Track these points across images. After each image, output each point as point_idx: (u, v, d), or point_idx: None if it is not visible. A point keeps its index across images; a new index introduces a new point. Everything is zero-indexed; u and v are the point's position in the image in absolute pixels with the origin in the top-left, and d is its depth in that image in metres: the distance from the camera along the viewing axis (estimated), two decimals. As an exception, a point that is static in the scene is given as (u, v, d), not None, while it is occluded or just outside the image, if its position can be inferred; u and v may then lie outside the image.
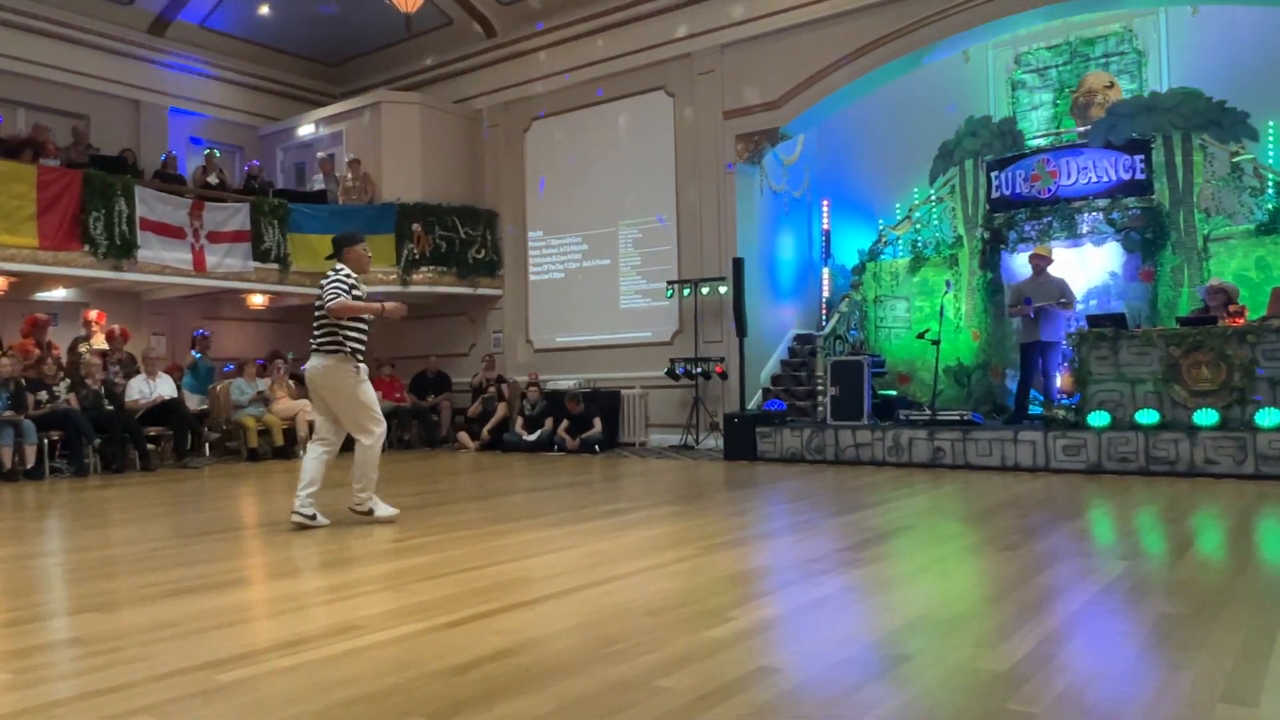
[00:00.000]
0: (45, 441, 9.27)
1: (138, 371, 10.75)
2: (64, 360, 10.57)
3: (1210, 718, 2.27)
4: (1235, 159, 9.38)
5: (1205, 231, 9.47)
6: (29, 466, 9.07)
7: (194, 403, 11.37)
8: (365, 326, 5.69)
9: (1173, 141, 9.55)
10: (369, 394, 5.60)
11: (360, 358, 5.59)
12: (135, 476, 9.42)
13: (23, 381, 9.43)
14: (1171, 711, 2.31)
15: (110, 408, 9.95)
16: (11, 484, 8.71)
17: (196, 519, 6.49)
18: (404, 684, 2.62)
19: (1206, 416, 7.73)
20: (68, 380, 9.88)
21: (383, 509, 5.71)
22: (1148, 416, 8.00)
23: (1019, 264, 10.19)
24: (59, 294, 11.96)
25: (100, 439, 9.70)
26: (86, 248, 10.56)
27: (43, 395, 9.54)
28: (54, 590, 4.19)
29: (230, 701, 2.51)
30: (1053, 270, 9.33)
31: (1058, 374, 9.46)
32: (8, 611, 3.65)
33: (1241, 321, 7.97)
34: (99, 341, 11.16)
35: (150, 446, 10.23)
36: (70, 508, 7.24)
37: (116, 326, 11.46)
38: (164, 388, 10.55)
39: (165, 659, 2.91)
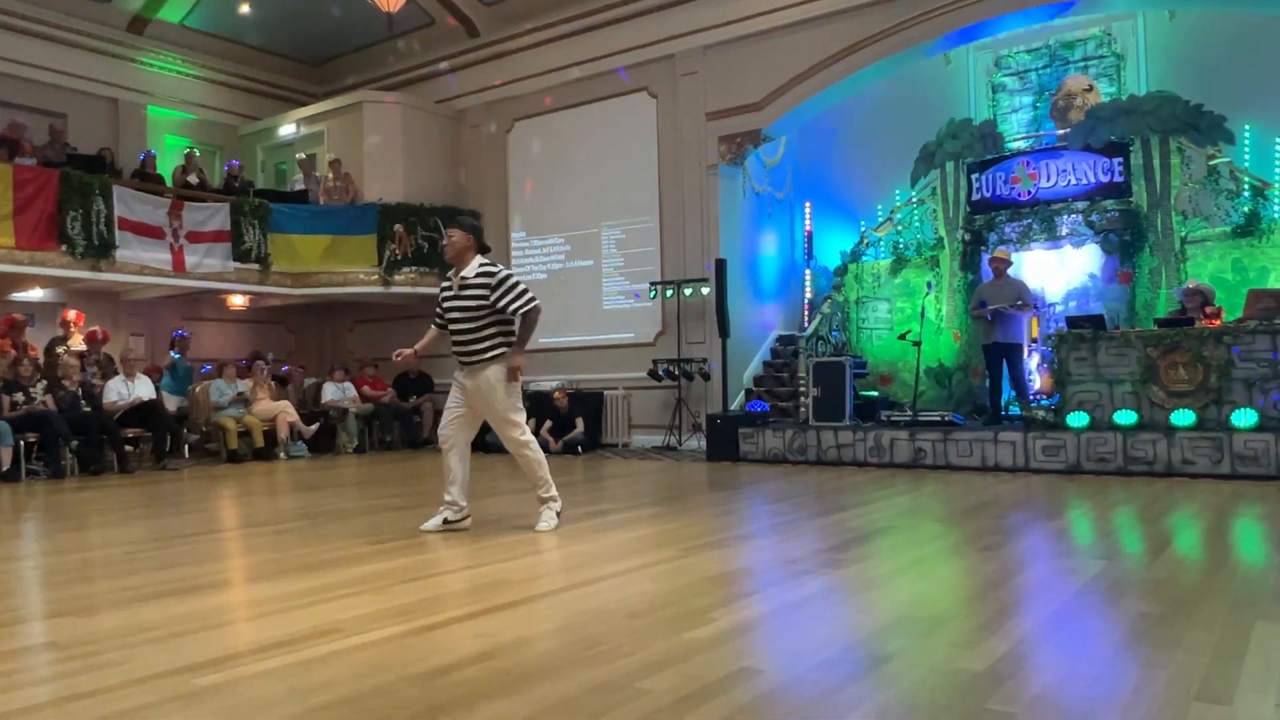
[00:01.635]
0: (22, 443, 9.18)
1: (116, 372, 10.65)
2: (41, 361, 10.47)
3: (1185, 716, 2.29)
4: (1212, 162, 9.47)
5: (1182, 234, 9.57)
6: (5, 469, 8.96)
7: (173, 404, 11.28)
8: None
9: (1151, 144, 9.64)
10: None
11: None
12: (113, 478, 9.33)
13: (-1, 383, 9.34)
14: (1147, 710, 2.33)
15: (88, 409, 9.86)
16: (-13, 486, 8.63)
17: (175, 521, 6.44)
18: (383, 687, 2.61)
19: (1183, 417, 7.82)
20: (45, 381, 9.78)
21: (543, 523, 5.45)
22: (1126, 417, 8.08)
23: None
24: (36, 294, 11.84)
25: (78, 441, 9.60)
26: (64, 247, 10.48)
27: (19, 396, 9.44)
28: (30, 594, 4.15)
29: (208, 706, 2.50)
30: (1023, 274, 9.38)
31: (1030, 376, 9.52)
32: (-18, 616, 3.61)
33: (1218, 323, 8.06)
34: (77, 342, 11.06)
35: (128, 448, 10.16)
36: (47, 510, 7.17)
37: (96, 328, 11.36)
38: (142, 389, 10.47)
39: (143, 663, 2.88)
